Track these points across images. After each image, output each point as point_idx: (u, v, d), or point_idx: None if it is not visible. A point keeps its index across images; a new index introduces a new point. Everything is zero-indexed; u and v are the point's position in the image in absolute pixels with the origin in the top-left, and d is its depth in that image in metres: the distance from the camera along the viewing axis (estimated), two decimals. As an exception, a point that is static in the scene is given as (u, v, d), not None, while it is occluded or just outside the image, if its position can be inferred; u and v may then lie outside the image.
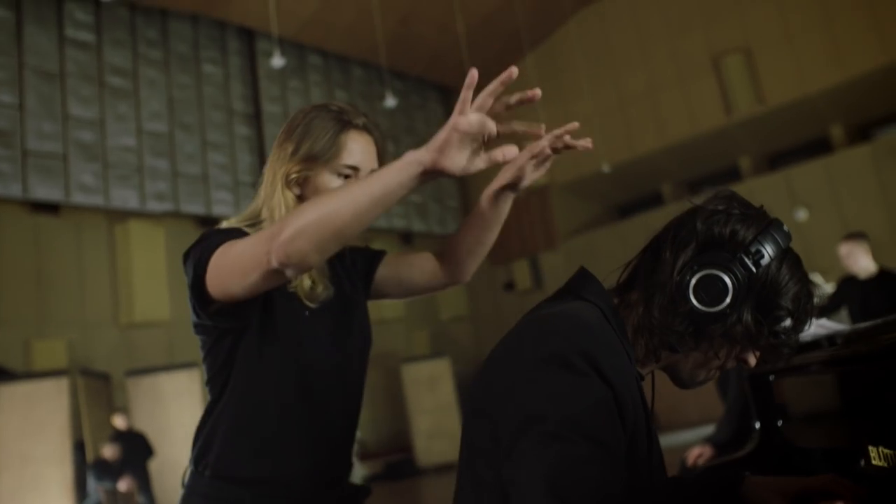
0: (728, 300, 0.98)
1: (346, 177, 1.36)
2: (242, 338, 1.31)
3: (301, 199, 1.36)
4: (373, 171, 1.37)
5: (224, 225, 1.37)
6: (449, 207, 13.59)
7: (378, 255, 1.56)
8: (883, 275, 4.61)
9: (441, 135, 1.05)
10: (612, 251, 12.36)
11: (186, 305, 1.30)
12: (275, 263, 1.11)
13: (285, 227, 1.10)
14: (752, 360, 1.06)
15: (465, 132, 1.03)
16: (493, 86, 1.03)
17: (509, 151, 1.06)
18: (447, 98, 13.74)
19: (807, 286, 1.02)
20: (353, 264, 1.52)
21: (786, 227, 1.02)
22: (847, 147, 10.53)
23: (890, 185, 9.68)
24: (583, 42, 12.30)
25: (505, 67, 1.01)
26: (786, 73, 10.45)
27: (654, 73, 11.82)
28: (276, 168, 1.37)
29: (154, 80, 9.95)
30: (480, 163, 1.07)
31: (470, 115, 1.03)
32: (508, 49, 11.78)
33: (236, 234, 1.28)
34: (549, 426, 0.88)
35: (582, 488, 0.85)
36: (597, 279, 1.10)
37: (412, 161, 1.07)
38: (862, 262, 4.58)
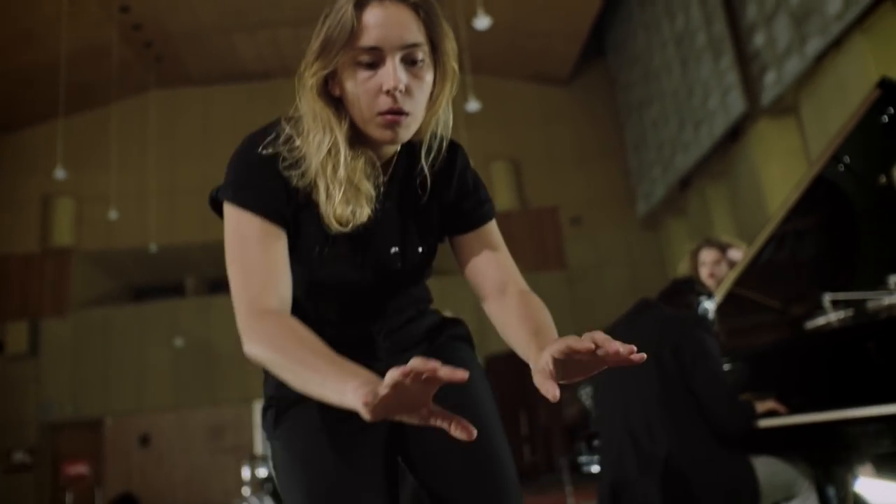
0: None
1: (370, 65, 1.04)
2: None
3: (341, 101, 1.09)
4: (412, 60, 1.06)
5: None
6: None
7: (477, 222, 1.24)
8: None
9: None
10: (127, 331, 11.93)
11: None
12: (244, 341, 1.03)
13: (262, 349, 1.01)
14: None
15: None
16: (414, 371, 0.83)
17: None
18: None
19: None
20: (455, 189, 1.23)
21: None
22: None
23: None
24: (157, 117, 12.23)
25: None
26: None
27: (211, 171, 12.26)
28: (302, 69, 1.09)
29: None
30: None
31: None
32: (87, 92, 11.29)
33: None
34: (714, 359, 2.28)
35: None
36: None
37: (352, 403, 0.85)
38: None
